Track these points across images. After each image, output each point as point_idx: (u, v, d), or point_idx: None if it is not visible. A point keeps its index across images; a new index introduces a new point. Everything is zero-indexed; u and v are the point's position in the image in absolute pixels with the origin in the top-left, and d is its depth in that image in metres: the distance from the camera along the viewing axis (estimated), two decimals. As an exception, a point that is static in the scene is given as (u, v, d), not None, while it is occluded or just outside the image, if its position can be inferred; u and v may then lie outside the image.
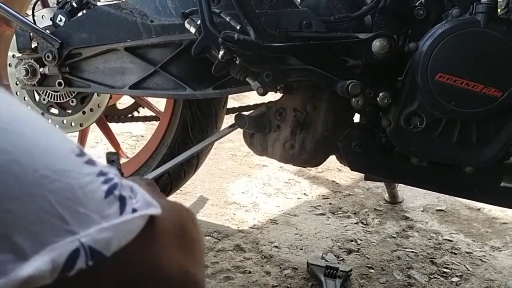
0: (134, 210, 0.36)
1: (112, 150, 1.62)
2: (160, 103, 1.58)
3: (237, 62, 0.92)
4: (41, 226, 0.31)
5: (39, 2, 1.31)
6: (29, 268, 0.30)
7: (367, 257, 1.46)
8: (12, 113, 0.33)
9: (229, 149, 2.27)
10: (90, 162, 0.36)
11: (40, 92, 1.30)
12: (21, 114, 0.34)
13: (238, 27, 0.93)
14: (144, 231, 0.37)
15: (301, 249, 1.50)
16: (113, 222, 0.34)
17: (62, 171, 0.33)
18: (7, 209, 0.30)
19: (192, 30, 0.97)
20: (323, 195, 1.88)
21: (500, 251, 1.54)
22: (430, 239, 1.58)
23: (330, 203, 1.81)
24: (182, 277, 0.40)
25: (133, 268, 0.36)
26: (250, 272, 1.36)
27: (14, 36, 1.25)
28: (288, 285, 1.32)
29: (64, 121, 1.31)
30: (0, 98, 0.33)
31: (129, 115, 1.68)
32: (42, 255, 0.31)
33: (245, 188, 1.90)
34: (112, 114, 1.64)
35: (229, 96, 1.45)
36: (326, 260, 1.38)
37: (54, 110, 1.33)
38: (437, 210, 1.78)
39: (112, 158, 0.75)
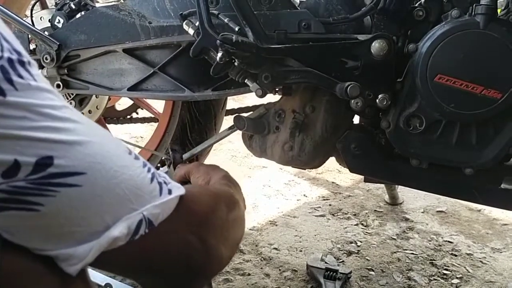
0: (170, 192, 0.49)
1: None
2: (159, 104, 1.57)
3: (236, 64, 0.91)
4: (119, 206, 0.44)
5: (37, 4, 1.31)
6: (115, 232, 0.44)
7: (367, 259, 1.46)
8: (85, 124, 0.43)
9: (228, 150, 2.27)
10: (136, 157, 0.48)
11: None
12: (91, 125, 0.44)
13: (236, 29, 0.92)
14: (176, 210, 0.49)
15: (301, 251, 1.49)
16: (160, 201, 0.47)
17: (125, 167, 0.45)
18: (99, 195, 0.42)
19: (191, 31, 0.96)
20: (323, 197, 1.88)
21: (501, 252, 1.53)
22: (430, 240, 1.58)
23: (330, 205, 1.80)
24: (204, 248, 0.52)
25: (167, 237, 0.49)
26: (249, 274, 1.36)
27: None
28: (288, 287, 1.32)
29: (63, 123, 1.30)
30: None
31: (128, 117, 1.69)
32: (120, 223, 0.44)
33: (245, 189, 1.89)
34: (111, 116, 1.64)
35: (229, 97, 1.45)
36: (326, 262, 1.37)
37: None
38: (437, 211, 1.78)
39: (174, 148, 0.86)
